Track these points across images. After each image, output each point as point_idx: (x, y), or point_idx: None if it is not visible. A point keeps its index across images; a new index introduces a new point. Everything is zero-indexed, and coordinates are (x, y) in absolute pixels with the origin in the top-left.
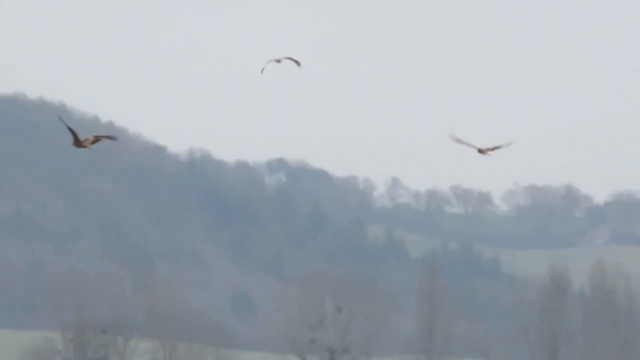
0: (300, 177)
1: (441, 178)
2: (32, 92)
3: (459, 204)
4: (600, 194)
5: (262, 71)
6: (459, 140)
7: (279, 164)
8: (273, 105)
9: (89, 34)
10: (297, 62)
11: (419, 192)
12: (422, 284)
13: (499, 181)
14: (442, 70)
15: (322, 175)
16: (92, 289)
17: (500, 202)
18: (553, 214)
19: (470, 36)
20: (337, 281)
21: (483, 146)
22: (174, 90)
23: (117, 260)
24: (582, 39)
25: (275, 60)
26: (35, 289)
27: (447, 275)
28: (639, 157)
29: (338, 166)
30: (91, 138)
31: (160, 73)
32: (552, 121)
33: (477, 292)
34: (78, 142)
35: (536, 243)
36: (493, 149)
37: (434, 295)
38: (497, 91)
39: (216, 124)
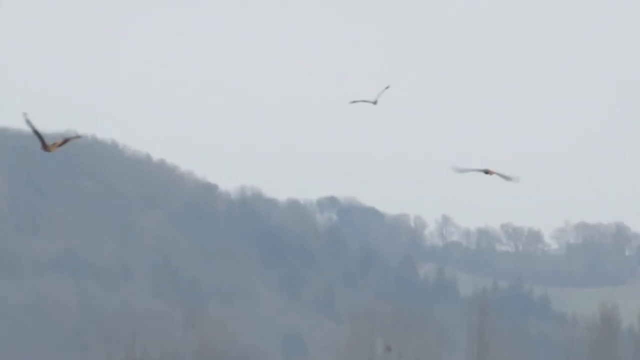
0: (351, 215)
1: (492, 216)
2: (84, 130)
3: (510, 242)
4: None
5: (351, 102)
6: (464, 170)
7: (330, 202)
8: (323, 143)
9: (141, 72)
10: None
11: (469, 230)
12: (472, 322)
13: (550, 219)
14: (493, 110)
15: (373, 213)
16: (142, 327)
17: (550, 240)
18: (603, 252)
19: (524, 74)
20: (388, 319)
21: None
22: (224, 129)
23: (168, 299)
24: None
25: (372, 102)
26: (86, 327)
27: (497, 314)
28: None
29: (389, 204)
30: (59, 141)
31: (211, 113)
32: (603, 159)
33: (527, 330)
34: (45, 147)
35: (586, 281)
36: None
37: (484, 334)
38: (547, 128)
39: (267, 162)
